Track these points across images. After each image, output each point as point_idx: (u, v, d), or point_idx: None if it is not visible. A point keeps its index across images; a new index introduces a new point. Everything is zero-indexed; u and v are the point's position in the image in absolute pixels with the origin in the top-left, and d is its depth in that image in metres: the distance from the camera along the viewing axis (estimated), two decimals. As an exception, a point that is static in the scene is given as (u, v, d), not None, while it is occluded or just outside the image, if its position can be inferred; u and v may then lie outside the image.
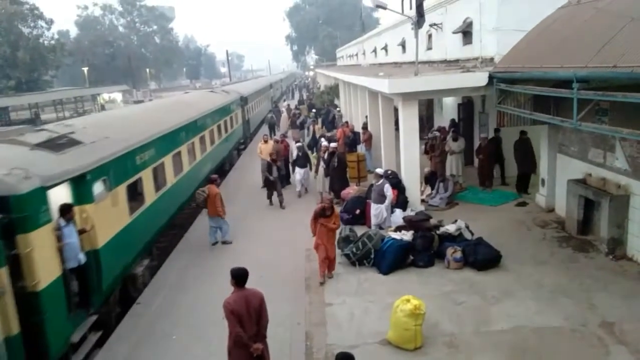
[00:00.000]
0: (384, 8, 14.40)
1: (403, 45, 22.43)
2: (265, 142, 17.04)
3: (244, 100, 26.28)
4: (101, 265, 7.90)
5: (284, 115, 29.33)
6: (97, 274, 7.85)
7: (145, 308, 9.00)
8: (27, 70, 56.16)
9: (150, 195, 10.59)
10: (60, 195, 7.47)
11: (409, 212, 11.56)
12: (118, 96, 62.54)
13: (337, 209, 9.98)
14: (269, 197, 14.97)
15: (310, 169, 16.02)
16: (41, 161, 7.11)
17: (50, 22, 60.05)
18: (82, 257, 7.49)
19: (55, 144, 7.83)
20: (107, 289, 8.26)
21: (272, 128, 29.27)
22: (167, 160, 12.01)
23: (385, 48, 27.12)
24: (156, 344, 7.72)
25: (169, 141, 12.27)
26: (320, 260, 9.24)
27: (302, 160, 15.64)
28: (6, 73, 54.20)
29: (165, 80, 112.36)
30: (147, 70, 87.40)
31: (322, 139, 16.92)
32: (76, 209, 7.56)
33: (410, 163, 12.40)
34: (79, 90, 60.58)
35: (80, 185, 7.68)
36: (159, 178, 11.32)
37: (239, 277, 5.65)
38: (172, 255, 11.57)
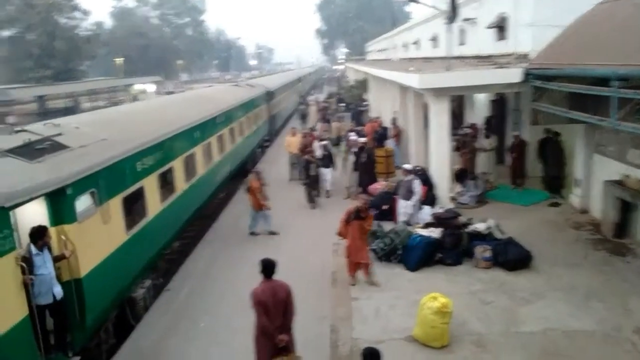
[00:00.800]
0: (416, 2, 14.24)
1: (435, 39, 22.12)
2: (294, 135, 17.10)
3: (270, 95, 25.06)
4: (84, 297, 6.53)
5: (313, 108, 29.40)
6: (79, 308, 6.51)
7: (174, 295, 9.19)
8: (64, 60, 57.57)
9: (154, 206, 9.17)
10: (34, 214, 6.42)
11: (438, 209, 11.43)
12: (151, 87, 63.63)
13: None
14: (311, 198, 14.04)
15: (334, 168, 15.39)
16: (8, 172, 5.80)
17: (86, 13, 61.47)
18: (57, 291, 6.23)
19: (32, 150, 6.46)
20: (93, 324, 6.92)
21: (304, 118, 29.58)
22: (177, 165, 10.55)
23: (416, 43, 26.80)
24: (185, 331, 7.88)
25: (180, 142, 10.90)
26: (352, 263, 8.91)
27: (326, 161, 14.76)
28: (44, 63, 55.70)
29: (196, 72, 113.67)
30: (179, 61, 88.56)
31: (351, 133, 16.84)
32: (52, 230, 6.27)
33: (440, 159, 12.25)
34: (112, 81, 61.88)
35: (59, 201, 6.32)
36: (165, 186, 9.87)
37: (267, 268, 5.72)
38: (201, 244, 11.75)
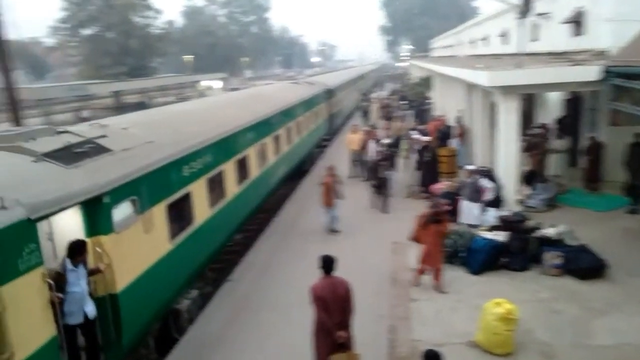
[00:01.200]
0: (487, -4, 13.72)
1: (505, 35, 21.29)
2: (355, 132, 17.05)
3: (329, 93, 24.40)
4: (120, 314, 6.07)
5: (375, 105, 29.21)
6: (114, 326, 6.07)
7: (235, 286, 9.43)
8: (138, 58, 60.71)
9: (202, 212, 8.63)
10: (73, 222, 6.00)
11: (504, 212, 11.01)
12: (217, 83, 65.68)
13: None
14: (377, 203, 13.31)
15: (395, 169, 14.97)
16: (41, 179, 5.35)
17: (159, 13, 64.38)
18: (90, 311, 5.79)
19: (71, 153, 6.03)
20: (130, 342, 6.42)
21: (366, 115, 29.53)
22: (229, 168, 10.02)
23: (484, 39, 25.92)
24: (244, 322, 8.07)
25: (232, 144, 10.39)
26: (423, 268, 8.61)
27: (388, 162, 13.83)
28: (120, 60, 58.95)
29: (260, 68, 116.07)
30: (244, 59, 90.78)
31: (413, 132, 16.57)
32: (88, 242, 5.86)
33: (508, 160, 11.77)
34: (181, 77, 64.53)
35: (95, 210, 5.86)
36: (215, 190, 9.28)
37: (327, 264, 5.74)
38: (262, 238, 11.97)
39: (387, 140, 15.30)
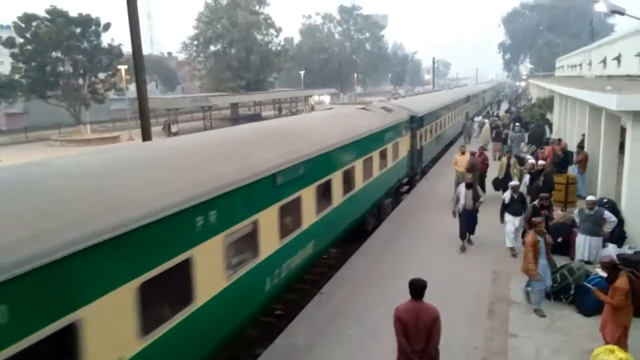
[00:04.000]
0: (622, 13, 12.63)
1: (641, 55, 19.26)
2: (463, 153, 16.45)
3: (417, 122, 18.40)
4: None
5: (486, 126, 27.87)
6: None
7: (327, 299, 9.50)
8: (256, 72, 64.49)
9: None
10: None
11: (626, 250, 9.88)
12: (326, 98, 67.54)
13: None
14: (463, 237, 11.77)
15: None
16: None
17: (279, 30, 67.94)
18: None
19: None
20: None
21: (469, 137, 28.42)
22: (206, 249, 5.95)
23: (617, 58, 23.64)
24: (333, 335, 8.09)
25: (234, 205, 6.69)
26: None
27: (517, 205, 11.38)
28: (240, 74, 63.08)
29: (371, 85, 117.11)
30: (355, 75, 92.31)
31: (528, 155, 15.59)
32: None
33: (636, 191, 10.57)
34: (294, 92, 67.35)
35: None
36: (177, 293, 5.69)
37: (416, 288, 5.57)
38: (356, 254, 11.91)
39: (514, 183, 12.52)
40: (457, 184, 16.36)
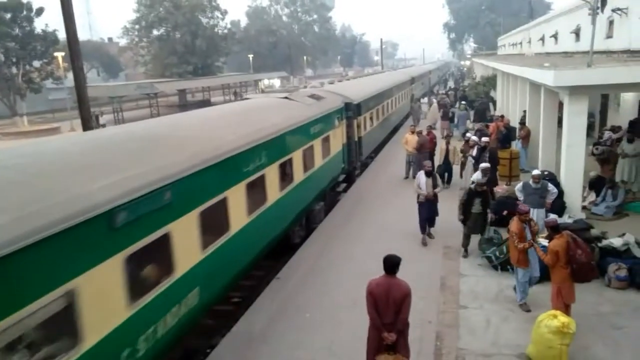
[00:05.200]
0: (557, -9, 13.03)
1: (577, 33, 20.16)
2: (413, 132, 16.74)
3: (353, 110, 16.25)
4: None
5: (434, 105, 28.40)
6: None
7: (283, 283, 9.50)
8: (203, 57, 62.72)
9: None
10: None
11: (566, 219, 10.41)
12: (277, 82, 66.80)
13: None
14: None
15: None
16: None
17: (224, 13, 66.18)
18: None
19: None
20: None
21: (414, 118, 28.53)
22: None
23: (555, 36, 24.65)
24: (290, 319, 8.12)
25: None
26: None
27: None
28: (186, 59, 61.22)
29: (321, 67, 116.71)
30: (305, 58, 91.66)
31: (468, 134, 15.99)
32: None
33: (573, 164, 11.11)
34: (243, 76, 66.13)
35: None
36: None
37: (388, 264, 5.70)
38: (310, 239, 11.94)
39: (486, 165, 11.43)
40: (408, 162, 16.74)
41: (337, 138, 14.61)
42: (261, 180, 9.04)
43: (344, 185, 16.42)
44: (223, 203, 7.54)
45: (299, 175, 11.10)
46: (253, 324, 8.03)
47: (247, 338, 7.63)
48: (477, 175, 10.94)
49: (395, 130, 27.54)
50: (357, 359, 6.20)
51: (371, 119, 19.55)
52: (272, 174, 9.50)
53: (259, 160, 8.91)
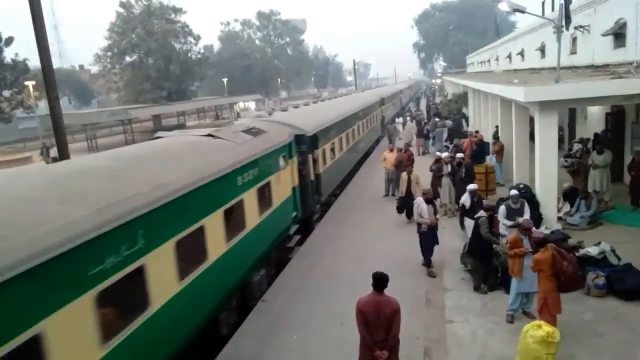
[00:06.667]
0: (522, 12, 13.59)
1: (542, 50, 20.93)
2: (391, 150, 17.00)
3: (307, 142, 13.41)
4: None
5: (409, 123, 28.89)
6: None
7: (268, 306, 9.43)
8: (177, 82, 62.65)
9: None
10: None
11: (543, 230, 10.65)
12: (252, 104, 66.98)
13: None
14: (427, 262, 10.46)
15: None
16: None
17: (198, 38, 66.40)
18: None
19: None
20: None
21: (390, 140, 28.19)
22: None
23: (521, 53, 25.52)
24: (280, 341, 8.05)
25: None
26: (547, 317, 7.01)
27: (478, 209, 9.97)
28: (160, 84, 61.02)
29: (295, 89, 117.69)
30: (279, 80, 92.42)
31: (438, 152, 16.16)
32: None
33: (547, 177, 11.43)
34: (218, 100, 66.14)
35: None
36: None
37: (377, 280, 5.75)
38: (294, 259, 11.92)
39: (473, 186, 11.37)
40: (388, 180, 16.94)
41: (285, 181, 11.65)
42: (139, 273, 5.78)
43: (297, 237, 12.78)
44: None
45: (220, 245, 7.99)
46: (241, 348, 7.92)
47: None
48: (465, 198, 10.93)
49: (366, 155, 25.53)
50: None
51: (332, 150, 16.72)
52: (161, 258, 6.23)
53: (148, 233, 5.94)
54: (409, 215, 13.22)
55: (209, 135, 9.46)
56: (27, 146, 48.72)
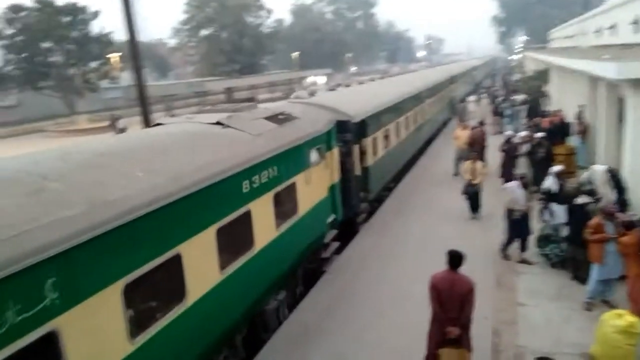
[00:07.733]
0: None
1: (637, 23, 19.19)
2: (465, 128, 16.50)
3: (353, 130, 11.27)
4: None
5: (482, 102, 27.80)
6: None
7: (333, 280, 9.53)
8: (249, 56, 63.97)
9: None
10: None
11: (629, 216, 9.98)
12: (322, 79, 67.07)
13: None
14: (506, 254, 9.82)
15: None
16: None
17: (270, 12, 67.22)
18: None
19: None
20: None
21: (462, 119, 27.18)
22: None
23: (612, 27, 23.56)
24: (342, 315, 8.14)
25: None
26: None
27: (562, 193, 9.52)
28: (233, 58, 62.52)
29: (365, 64, 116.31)
30: (348, 54, 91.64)
31: (507, 132, 15.41)
32: None
33: (637, 160, 10.64)
34: (288, 74, 66.87)
35: None
36: None
37: (452, 258, 5.74)
38: (359, 235, 11.87)
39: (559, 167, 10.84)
40: (458, 158, 16.44)
41: (318, 180, 9.51)
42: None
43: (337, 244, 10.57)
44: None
45: (203, 282, 5.79)
46: (305, 318, 8.08)
47: (298, 332, 7.63)
48: (550, 182, 10.16)
49: (429, 141, 23.16)
50: (415, 353, 6.22)
51: (386, 138, 14.31)
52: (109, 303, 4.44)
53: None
54: (474, 208, 12.36)
55: (218, 123, 7.42)
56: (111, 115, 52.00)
